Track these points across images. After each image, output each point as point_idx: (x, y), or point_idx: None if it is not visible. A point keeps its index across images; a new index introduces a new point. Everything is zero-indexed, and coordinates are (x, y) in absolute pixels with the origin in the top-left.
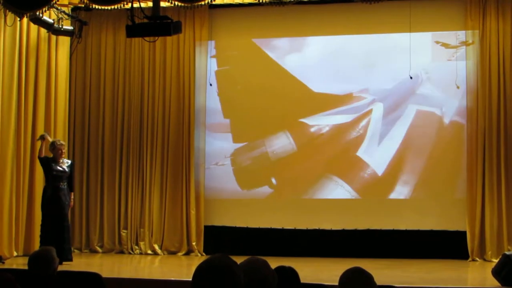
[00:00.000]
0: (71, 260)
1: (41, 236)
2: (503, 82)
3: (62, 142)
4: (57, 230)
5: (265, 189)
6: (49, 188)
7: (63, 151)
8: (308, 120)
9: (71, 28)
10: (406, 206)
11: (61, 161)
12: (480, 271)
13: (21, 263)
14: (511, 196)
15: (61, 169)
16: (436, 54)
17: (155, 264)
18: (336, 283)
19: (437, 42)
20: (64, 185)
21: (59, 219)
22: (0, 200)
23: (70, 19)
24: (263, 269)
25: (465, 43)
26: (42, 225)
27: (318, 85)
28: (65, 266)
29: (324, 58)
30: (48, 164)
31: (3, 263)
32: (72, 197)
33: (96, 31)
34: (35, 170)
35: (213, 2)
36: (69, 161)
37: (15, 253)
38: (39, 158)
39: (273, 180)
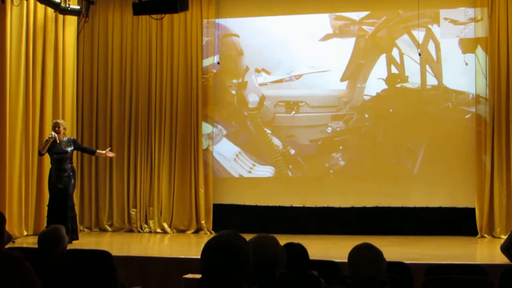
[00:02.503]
0: (76, 239)
1: (47, 216)
2: None
3: (57, 120)
4: (61, 210)
5: (273, 167)
6: (53, 170)
7: (58, 129)
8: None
9: (78, 7)
10: (415, 183)
11: (61, 141)
12: (489, 248)
13: (31, 242)
14: None
15: (61, 150)
16: (445, 31)
17: (165, 242)
18: (345, 260)
19: (446, 19)
20: (67, 165)
21: (63, 199)
22: (10, 180)
23: None
24: (272, 246)
25: (474, 20)
26: (48, 205)
27: (327, 63)
28: (74, 245)
29: (332, 34)
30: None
31: (13, 242)
32: (98, 151)
33: (103, 10)
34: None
35: None
36: (70, 139)
37: (25, 233)
38: (40, 154)
39: (281, 158)
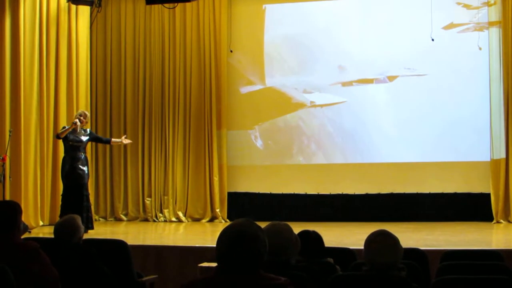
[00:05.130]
0: (91, 228)
1: (61, 206)
2: None
3: (86, 112)
4: (76, 200)
5: (288, 155)
6: (67, 159)
7: (83, 119)
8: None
9: None
10: (430, 169)
11: (78, 131)
12: (505, 233)
13: (47, 232)
14: None
15: (77, 138)
16: (457, 15)
17: (180, 231)
18: (361, 247)
19: (459, 3)
20: (81, 155)
21: (78, 189)
22: (25, 170)
23: None
24: (286, 234)
25: (487, 4)
26: (62, 195)
27: (342, 45)
28: (90, 234)
29: (345, 20)
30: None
31: (29, 232)
32: (114, 139)
33: (115, 0)
34: (59, 140)
35: None
36: (87, 130)
37: (41, 223)
38: (58, 137)
39: (295, 147)
